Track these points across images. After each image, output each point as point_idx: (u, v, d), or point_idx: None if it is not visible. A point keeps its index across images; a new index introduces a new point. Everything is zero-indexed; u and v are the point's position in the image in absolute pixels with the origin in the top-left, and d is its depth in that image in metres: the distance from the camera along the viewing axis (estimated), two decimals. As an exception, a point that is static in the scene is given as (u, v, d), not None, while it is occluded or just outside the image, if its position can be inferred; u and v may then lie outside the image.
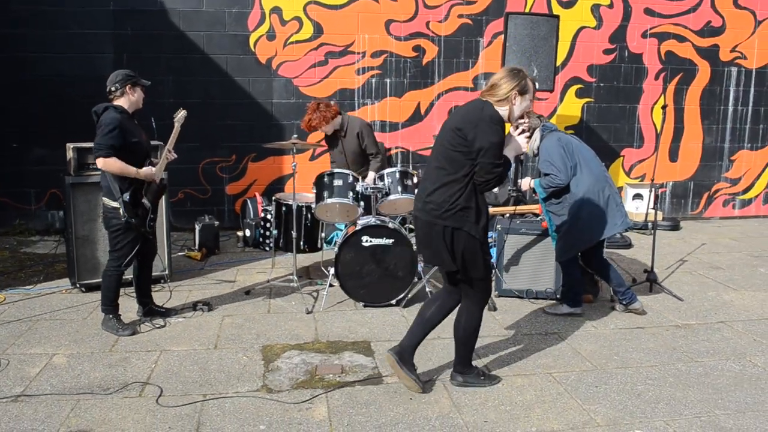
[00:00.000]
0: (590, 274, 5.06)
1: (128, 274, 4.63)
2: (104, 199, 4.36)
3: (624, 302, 4.86)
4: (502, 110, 3.36)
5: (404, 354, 3.57)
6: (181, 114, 4.50)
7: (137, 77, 4.38)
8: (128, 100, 4.32)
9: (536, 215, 5.56)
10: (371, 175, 5.73)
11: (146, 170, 4.33)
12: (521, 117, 3.45)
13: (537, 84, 6.60)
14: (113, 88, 4.29)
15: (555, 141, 4.68)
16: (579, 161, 4.65)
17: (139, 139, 4.33)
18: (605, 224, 4.65)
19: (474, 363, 3.75)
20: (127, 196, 4.23)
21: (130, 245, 4.36)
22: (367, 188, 5.15)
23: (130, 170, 4.26)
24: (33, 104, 7.21)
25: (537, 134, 4.79)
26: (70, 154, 5.21)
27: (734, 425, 3.28)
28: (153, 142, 5.38)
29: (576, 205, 4.60)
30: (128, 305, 4.76)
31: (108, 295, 4.42)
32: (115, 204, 4.26)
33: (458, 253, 3.35)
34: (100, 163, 4.18)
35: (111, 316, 4.44)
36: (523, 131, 3.45)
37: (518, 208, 5.71)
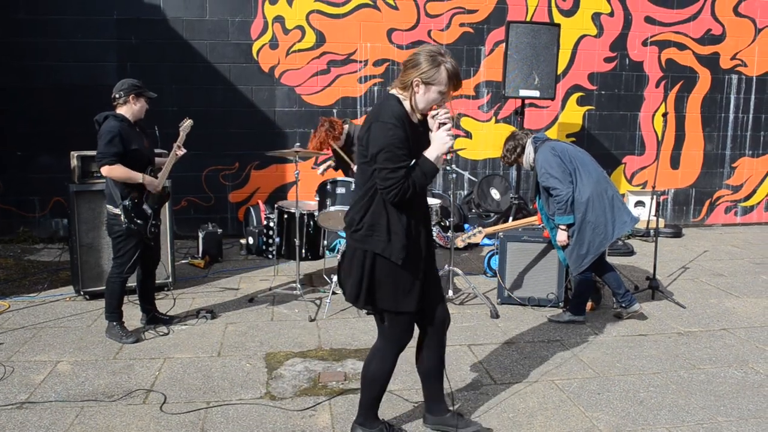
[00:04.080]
0: (593, 281, 5.06)
1: (131, 282, 4.66)
2: (108, 206, 4.40)
3: (623, 305, 4.86)
4: (406, 102, 2.80)
5: (433, 413, 3.25)
6: (186, 123, 4.54)
7: (143, 88, 4.42)
8: (130, 109, 4.37)
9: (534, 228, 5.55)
10: None
11: (149, 179, 4.37)
12: (432, 109, 2.80)
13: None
14: (117, 96, 4.35)
15: (549, 151, 4.66)
16: (577, 166, 4.62)
17: (140, 147, 4.37)
18: (615, 225, 4.63)
19: (382, 417, 3.21)
20: (127, 203, 4.27)
21: (132, 252, 4.39)
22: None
23: (136, 176, 4.30)
24: (37, 112, 7.25)
25: (529, 147, 4.77)
26: (74, 162, 5.24)
27: (737, 432, 3.29)
28: (156, 150, 5.43)
29: (582, 212, 4.59)
30: (132, 313, 4.78)
31: (111, 302, 4.44)
32: (116, 211, 4.30)
33: (364, 278, 2.82)
34: (105, 170, 4.22)
35: (115, 323, 4.46)
36: (442, 125, 2.77)
37: (515, 223, 5.68)
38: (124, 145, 4.23)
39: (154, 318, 4.72)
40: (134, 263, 4.43)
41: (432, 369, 3.15)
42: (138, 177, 4.30)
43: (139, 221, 4.32)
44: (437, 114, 2.78)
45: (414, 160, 2.75)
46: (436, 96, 2.75)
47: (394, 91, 2.83)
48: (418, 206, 2.88)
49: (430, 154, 2.76)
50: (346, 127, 5.81)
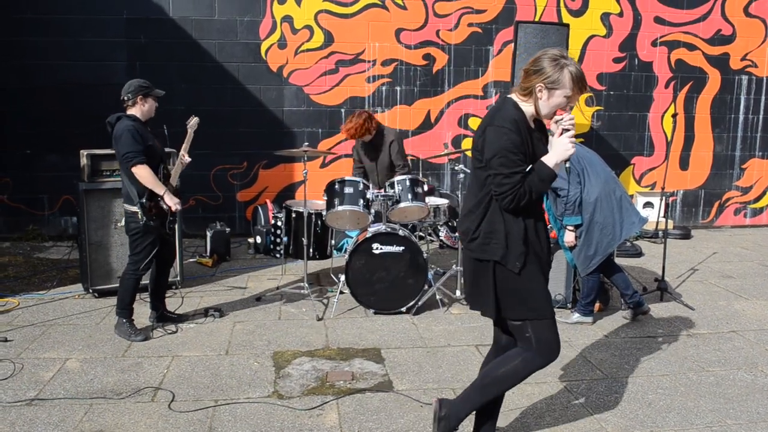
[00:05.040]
0: (601, 282, 5.05)
1: (144, 279, 4.68)
2: (125, 205, 4.46)
3: (631, 306, 4.85)
4: (526, 106, 2.73)
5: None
6: (194, 120, 4.60)
7: (150, 88, 4.47)
8: (140, 109, 4.43)
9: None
10: None
11: (170, 196, 4.40)
12: (554, 114, 2.71)
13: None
14: (126, 98, 4.42)
15: None
16: (585, 167, 4.60)
17: (153, 144, 4.45)
18: (623, 225, 4.62)
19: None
20: (144, 200, 4.33)
21: (149, 249, 4.44)
22: (377, 196, 5.17)
23: (160, 189, 4.35)
24: (47, 111, 7.30)
25: None
26: (83, 161, 5.27)
27: (746, 435, 3.28)
28: (166, 149, 5.45)
29: (590, 212, 4.57)
30: (141, 311, 4.80)
31: (124, 298, 4.48)
32: (133, 208, 4.36)
33: (489, 290, 2.74)
34: (136, 170, 4.27)
35: (125, 320, 4.49)
36: (566, 131, 2.67)
37: None
38: (143, 142, 4.32)
39: (163, 316, 4.75)
40: (150, 260, 4.48)
41: None
42: (161, 189, 4.36)
43: (157, 217, 4.38)
44: (561, 119, 2.69)
45: (530, 166, 2.66)
46: (561, 100, 2.66)
47: (513, 96, 2.77)
48: (534, 211, 2.76)
49: (549, 159, 2.67)
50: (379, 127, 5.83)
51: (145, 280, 4.73)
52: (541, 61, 2.67)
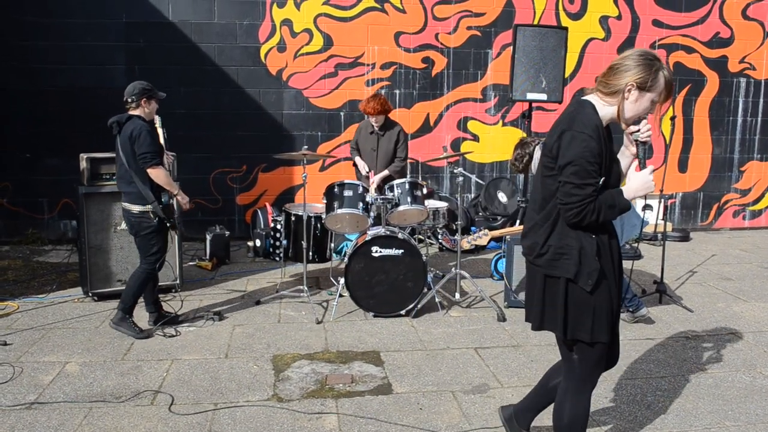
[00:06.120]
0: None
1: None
2: (129, 205, 4.48)
3: (631, 309, 4.86)
4: (608, 109, 2.49)
5: (519, 416, 3.07)
6: (158, 119, 4.65)
7: (153, 90, 4.54)
8: (143, 111, 4.50)
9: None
10: (383, 173, 5.86)
11: (182, 195, 4.56)
12: (635, 123, 2.52)
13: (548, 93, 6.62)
14: (129, 100, 4.47)
15: None
16: None
17: (161, 145, 4.55)
18: (624, 227, 4.63)
19: None
20: (165, 199, 4.45)
21: (164, 246, 4.59)
22: (376, 199, 5.18)
23: (174, 188, 4.49)
24: (46, 114, 7.30)
25: (537, 154, 4.79)
26: (83, 164, 5.27)
27: (745, 437, 3.28)
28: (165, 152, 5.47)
29: None
30: (138, 315, 4.80)
31: (135, 294, 4.55)
32: (143, 208, 4.42)
33: (557, 307, 2.55)
34: (153, 172, 4.36)
35: (128, 316, 4.55)
36: (642, 145, 2.52)
37: (522, 226, 5.65)
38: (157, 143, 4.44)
39: (160, 317, 4.77)
40: (164, 257, 4.61)
41: (552, 395, 2.88)
42: (175, 189, 4.50)
43: (172, 218, 4.53)
44: (639, 131, 2.51)
45: (603, 178, 2.45)
46: (648, 105, 2.45)
47: (590, 97, 2.54)
48: (607, 227, 2.56)
49: (629, 192, 2.48)
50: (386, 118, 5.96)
51: None
52: (634, 58, 2.45)
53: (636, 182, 2.51)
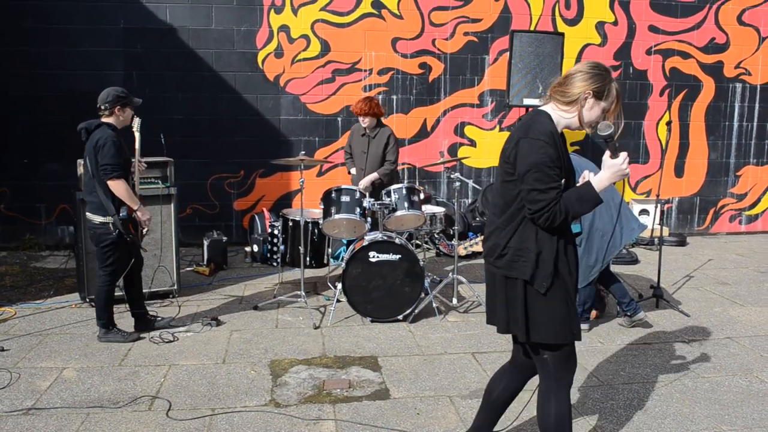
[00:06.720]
0: (597, 289, 5.06)
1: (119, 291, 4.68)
2: (90, 214, 4.40)
3: (628, 313, 4.86)
4: (567, 116, 2.62)
5: None
6: (137, 122, 4.52)
7: (128, 97, 4.45)
8: (117, 119, 4.42)
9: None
10: (372, 176, 5.83)
11: (144, 211, 4.43)
12: (592, 126, 2.65)
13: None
14: (103, 107, 4.38)
15: None
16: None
17: (127, 155, 4.44)
18: (623, 231, 4.63)
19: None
20: (124, 214, 4.31)
21: (125, 261, 4.45)
22: (373, 204, 5.19)
23: (133, 203, 4.35)
24: (44, 120, 7.30)
25: None
26: (80, 170, 5.27)
27: (741, 441, 3.29)
28: (162, 159, 5.48)
29: (590, 220, 4.57)
30: (124, 323, 4.78)
31: (106, 308, 4.49)
32: (104, 219, 4.33)
33: (518, 310, 2.61)
34: (113, 184, 4.26)
35: (111, 327, 4.53)
36: (618, 149, 2.61)
37: None
38: (120, 154, 4.30)
39: (145, 320, 4.74)
40: (122, 270, 4.47)
41: (501, 402, 2.98)
42: (135, 204, 4.36)
43: (133, 232, 4.40)
44: (597, 130, 2.61)
45: (564, 180, 2.56)
46: (599, 113, 2.60)
47: (546, 107, 2.66)
48: (566, 233, 2.65)
49: (600, 181, 2.57)
50: (378, 121, 5.98)
51: (120, 292, 4.71)
52: (589, 68, 2.59)
53: (608, 170, 2.59)
